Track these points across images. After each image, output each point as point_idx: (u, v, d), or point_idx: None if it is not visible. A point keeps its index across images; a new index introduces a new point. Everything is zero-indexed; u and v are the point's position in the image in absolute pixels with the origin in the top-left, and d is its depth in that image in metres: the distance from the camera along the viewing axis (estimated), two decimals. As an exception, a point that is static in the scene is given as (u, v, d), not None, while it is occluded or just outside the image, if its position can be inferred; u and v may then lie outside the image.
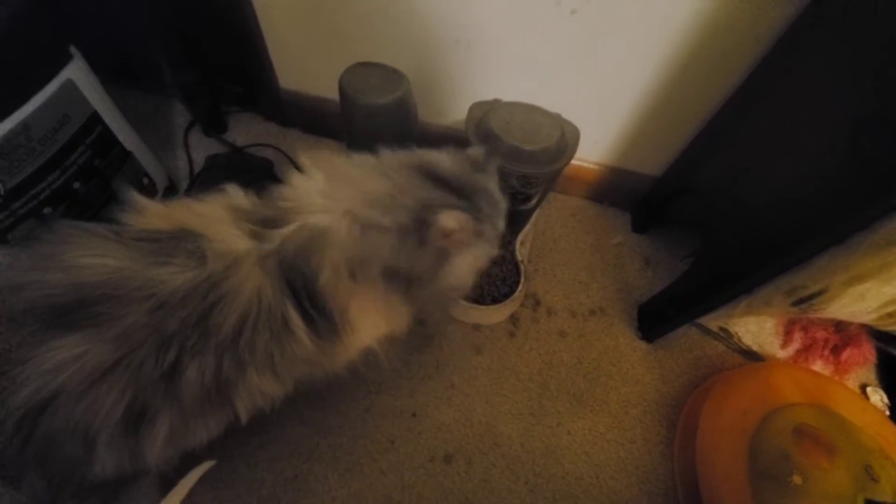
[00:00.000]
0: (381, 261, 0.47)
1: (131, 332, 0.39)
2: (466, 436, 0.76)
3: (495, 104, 0.79)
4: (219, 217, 0.46)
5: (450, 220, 0.46)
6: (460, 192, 0.50)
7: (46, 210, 0.71)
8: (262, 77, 1.02)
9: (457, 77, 0.89)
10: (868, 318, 0.64)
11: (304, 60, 0.98)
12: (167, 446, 0.45)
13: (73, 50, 0.70)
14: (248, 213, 0.47)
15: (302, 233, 0.46)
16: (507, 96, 0.80)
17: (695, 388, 0.82)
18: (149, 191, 0.90)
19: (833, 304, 0.60)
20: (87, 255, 0.40)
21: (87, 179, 0.75)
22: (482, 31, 0.80)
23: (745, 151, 0.72)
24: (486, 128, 0.75)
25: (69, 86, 0.69)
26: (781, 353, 0.89)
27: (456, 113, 0.96)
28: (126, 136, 0.82)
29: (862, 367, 0.87)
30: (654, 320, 0.86)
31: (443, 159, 0.54)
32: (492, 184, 0.56)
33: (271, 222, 0.46)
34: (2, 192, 0.64)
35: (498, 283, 0.88)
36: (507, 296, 0.85)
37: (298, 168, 0.52)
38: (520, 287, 0.86)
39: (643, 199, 1.00)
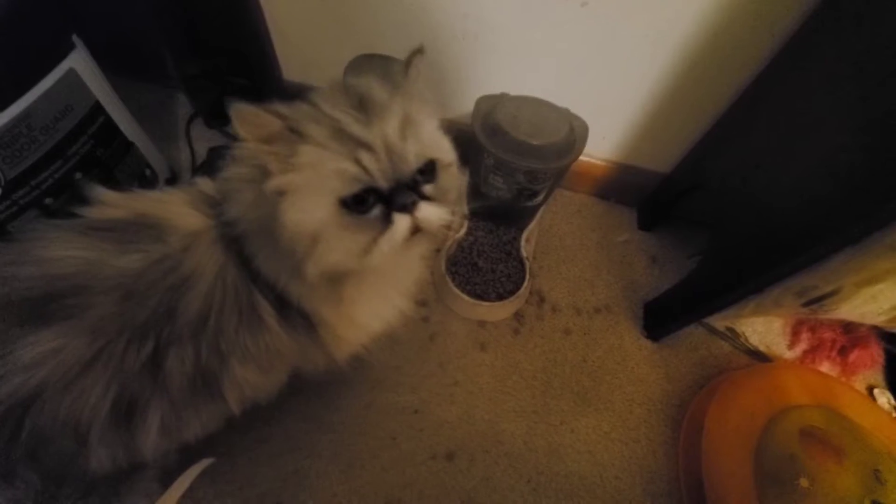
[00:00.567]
0: (256, 220, 0.41)
1: (104, 323, 0.39)
2: (469, 433, 0.75)
3: (502, 98, 0.78)
4: (178, 201, 0.45)
5: (233, 116, 0.35)
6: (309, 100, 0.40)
7: (48, 200, 0.70)
8: (265, 68, 1.01)
9: (463, 70, 0.87)
10: (878, 319, 0.63)
11: (308, 52, 0.97)
12: (161, 438, 0.45)
13: (75, 39, 0.69)
14: (209, 197, 0.46)
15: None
16: (515, 90, 0.79)
17: (700, 388, 0.81)
18: (150, 182, 0.89)
19: (844, 305, 0.59)
20: (56, 249, 0.40)
21: (89, 170, 0.74)
22: (490, 22, 0.78)
23: (757, 149, 0.71)
24: (494, 122, 0.74)
25: (71, 75, 0.68)
26: (788, 354, 0.88)
27: (462, 106, 0.94)
28: (128, 126, 0.81)
29: (870, 369, 0.86)
30: (660, 319, 0.85)
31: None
32: (368, 79, 0.41)
33: (220, 204, 0.44)
34: (2, 183, 0.63)
35: (503, 279, 0.87)
36: (511, 292, 0.85)
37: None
38: (524, 284, 0.85)
39: (650, 196, 0.99)
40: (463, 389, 0.79)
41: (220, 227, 0.43)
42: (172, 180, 0.96)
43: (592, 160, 0.96)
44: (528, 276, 0.86)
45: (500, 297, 0.85)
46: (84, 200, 0.44)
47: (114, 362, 0.40)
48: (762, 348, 0.88)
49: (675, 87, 0.79)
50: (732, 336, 0.89)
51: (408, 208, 0.39)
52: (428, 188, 0.41)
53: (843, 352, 0.86)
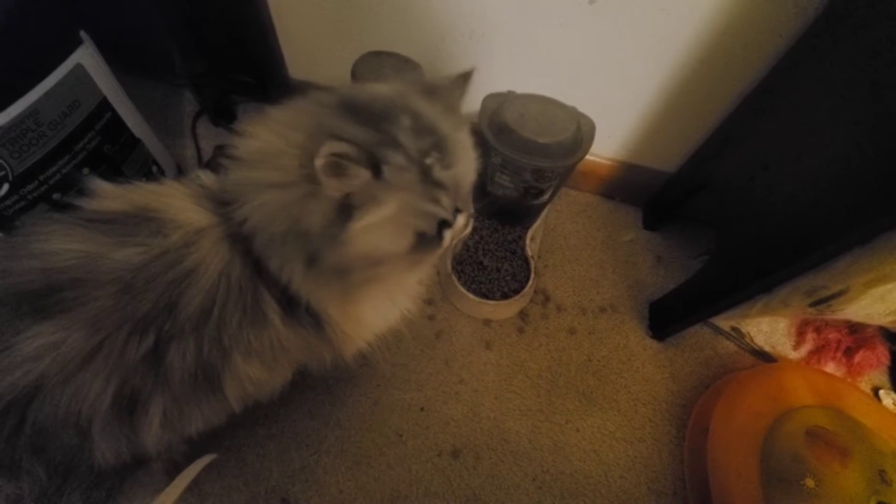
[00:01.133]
0: (282, 224, 0.40)
1: (103, 317, 0.39)
2: (474, 431, 0.75)
3: (509, 96, 0.78)
4: (178, 194, 0.45)
5: (322, 150, 0.34)
6: (368, 120, 0.38)
7: (56, 196, 0.70)
8: (272, 66, 1.01)
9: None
10: (885, 320, 0.63)
11: (314, 49, 0.97)
12: (164, 432, 0.45)
13: (83, 35, 0.69)
14: (213, 192, 0.46)
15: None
16: (522, 88, 0.79)
17: (706, 388, 0.81)
18: (157, 179, 0.89)
19: (851, 305, 0.59)
20: (55, 242, 0.40)
21: (96, 166, 0.74)
22: (497, 21, 0.78)
23: (765, 148, 0.71)
24: (501, 120, 0.74)
25: (79, 70, 0.68)
26: (794, 355, 0.88)
27: (469, 105, 0.94)
28: (135, 123, 0.81)
29: (875, 370, 0.86)
30: (665, 319, 0.85)
31: (382, 86, 0.43)
32: (435, 110, 0.41)
33: (228, 203, 0.44)
34: (10, 177, 0.63)
35: (508, 278, 0.87)
36: (516, 291, 0.85)
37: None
38: (529, 283, 0.85)
39: (656, 195, 0.98)
40: (468, 387, 0.79)
41: (226, 225, 0.43)
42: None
43: (598, 159, 0.96)
44: (532, 275, 0.86)
45: (505, 296, 0.85)
46: (84, 193, 0.44)
47: (114, 355, 0.39)
48: (767, 348, 0.88)
49: (681, 86, 0.78)
50: (738, 336, 0.89)
51: (452, 224, 0.43)
52: (460, 202, 0.44)
53: (849, 352, 0.85)
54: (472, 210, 0.46)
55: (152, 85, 1.10)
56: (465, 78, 0.46)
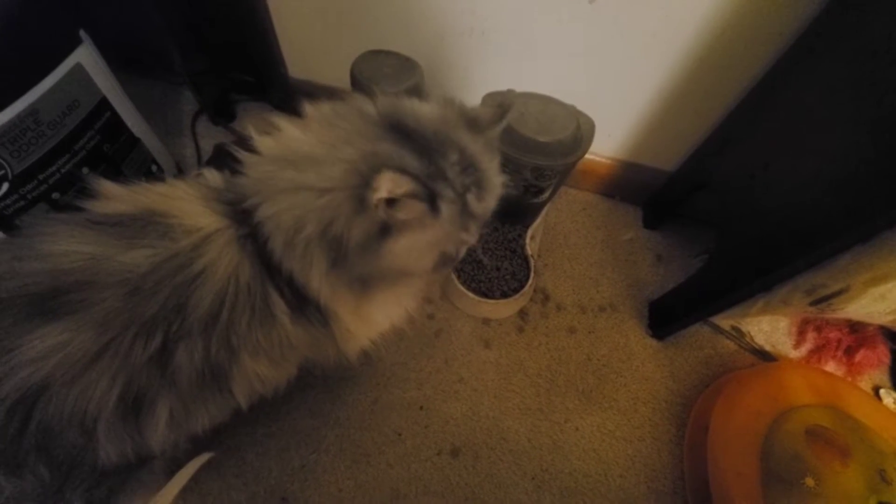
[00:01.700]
0: (313, 227, 0.40)
1: (111, 318, 0.39)
2: (474, 430, 0.75)
3: (509, 94, 0.77)
4: (185, 196, 0.45)
5: (384, 182, 0.36)
6: (421, 150, 0.40)
7: (56, 195, 0.70)
8: (271, 65, 1.01)
9: (470, 66, 0.87)
10: (885, 319, 0.63)
11: (314, 48, 0.97)
12: (170, 431, 0.45)
13: (82, 34, 0.69)
14: (220, 192, 0.46)
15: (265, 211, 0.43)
16: (522, 87, 0.79)
17: (705, 387, 0.81)
18: (157, 178, 0.89)
19: (852, 304, 0.59)
20: (61, 243, 0.40)
21: (95, 165, 0.75)
22: (497, 19, 0.78)
23: (765, 147, 0.70)
24: (500, 119, 0.73)
25: (78, 70, 0.68)
26: (794, 354, 0.88)
27: (469, 103, 0.94)
28: (134, 122, 0.81)
29: (875, 369, 0.86)
30: (665, 318, 0.84)
31: (424, 108, 0.44)
32: (477, 146, 0.43)
33: (239, 201, 0.44)
34: (10, 177, 0.64)
35: (507, 277, 0.87)
36: (516, 290, 0.84)
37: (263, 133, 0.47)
38: (529, 282, 0.85)
39: (656, 194, 0.98)
40: (468, 386, 0.79)
41: (236, 227, 0.43)
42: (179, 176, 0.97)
43: (598, 158, 0.96)
44: (532, 274, 0.86)
45: (505, 295, 0.84)
46: (89, 194, 0.44)
47: (120, 356, 0.39)
48: (768, 347, 0.88)
49: (681, 85, 0.78)
50: (738, 335, 0.88)
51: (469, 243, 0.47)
52: None
53: (849, 352, 0.85)
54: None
55: (151, 84, 1.10)
56: (503, 111, 0.47)
